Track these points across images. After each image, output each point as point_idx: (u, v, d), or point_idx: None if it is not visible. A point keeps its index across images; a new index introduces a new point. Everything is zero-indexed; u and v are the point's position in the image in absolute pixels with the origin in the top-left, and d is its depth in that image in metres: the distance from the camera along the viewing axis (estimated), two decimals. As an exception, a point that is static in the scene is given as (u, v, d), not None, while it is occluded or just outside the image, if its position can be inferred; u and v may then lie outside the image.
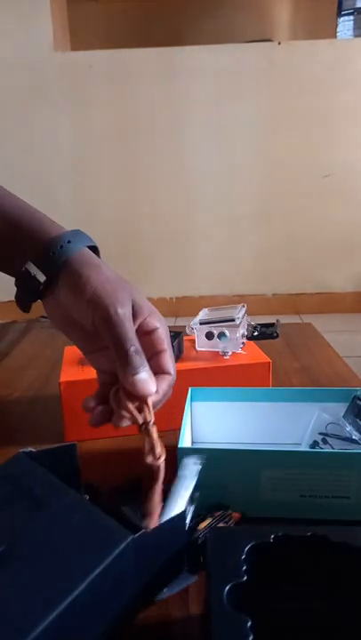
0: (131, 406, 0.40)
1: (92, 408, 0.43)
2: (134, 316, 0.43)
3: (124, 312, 0.42)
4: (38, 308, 0.48)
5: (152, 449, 0.38)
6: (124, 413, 0.40)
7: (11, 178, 2.96)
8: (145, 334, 0.44)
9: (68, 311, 0.45)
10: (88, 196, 2.73)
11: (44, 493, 0.35)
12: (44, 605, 0.27)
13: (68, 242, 0.46)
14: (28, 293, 0.46)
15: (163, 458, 0.38)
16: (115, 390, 0.42)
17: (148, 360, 0.43)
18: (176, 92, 2.59)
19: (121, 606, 0.33)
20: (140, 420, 0.40)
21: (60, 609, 0.27)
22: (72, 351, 0.74)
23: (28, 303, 0.47)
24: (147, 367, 0.41)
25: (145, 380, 0.40)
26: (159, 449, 0.38)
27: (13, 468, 0.38)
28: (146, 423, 0.40)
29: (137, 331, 0.43)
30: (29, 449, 0.41)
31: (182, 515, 0.37)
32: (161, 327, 0.45)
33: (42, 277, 0.45)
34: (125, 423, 0.41)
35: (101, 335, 0.42)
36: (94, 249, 0.49)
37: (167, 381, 0.44)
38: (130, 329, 0.42)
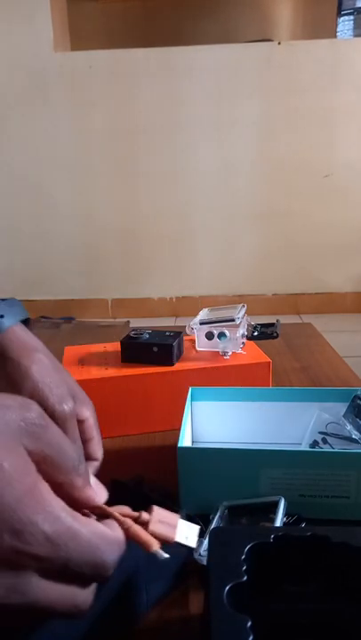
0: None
1: None
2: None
3: (68, 408, 0.40)
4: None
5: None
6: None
7: (11, 178, 2.97)
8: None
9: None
10: (88, 195, 2.73)
11: None
12: None
13: (1, 316, 0.43)
14: None
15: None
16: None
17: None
18: (176, 92, 2.59)
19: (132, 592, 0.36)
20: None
21: None
22: (72, 351, 0.74)
23: None
24: (88, 476, 0.33)
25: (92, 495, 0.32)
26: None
27: None
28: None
29: None
30: None
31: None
32: (91, 416, 0.45)
33: None
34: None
35: None
36: (26, 321, 0.47)
37: (94, 467, 0.46)
38: (72, 425, 0.41)
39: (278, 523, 0.44)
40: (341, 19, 2.88)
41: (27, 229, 2.77)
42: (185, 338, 0.72)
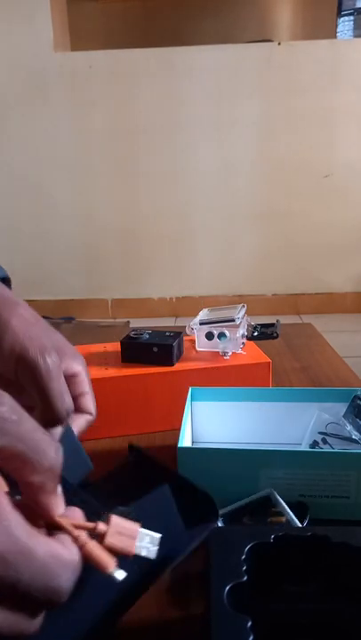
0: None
1: None
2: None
3: (52, 361, 0.38)
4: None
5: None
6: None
7: (11, 178, 2.96)
8: (66, 378, 0.42)
9: None
10: (88, 196, 2.73)
11: None
12: None
13: None
14: None
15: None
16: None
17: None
18: (176, 92, 2.59)
19: None
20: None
21: None
22: (72, 351, 0.74)
23: None
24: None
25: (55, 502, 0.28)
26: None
27: None
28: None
29: None
30: None
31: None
32: (82, 370, 0.43)
33: None
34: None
35: (27, 389, 0.39)
36: (5, 280, 0.46)
37: (86, 419, 0.45)
38: (58, 379, 0.39)
39: (292, 516, 0.44)
40: (341, 19, 2.89)
41: (27, 229, 2.77)
42: (185, 338, 0.72)
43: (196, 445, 0.60)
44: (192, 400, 0.61)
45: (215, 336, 0.70)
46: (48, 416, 0.38)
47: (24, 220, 2.76)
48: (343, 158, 2.65)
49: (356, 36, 2.85)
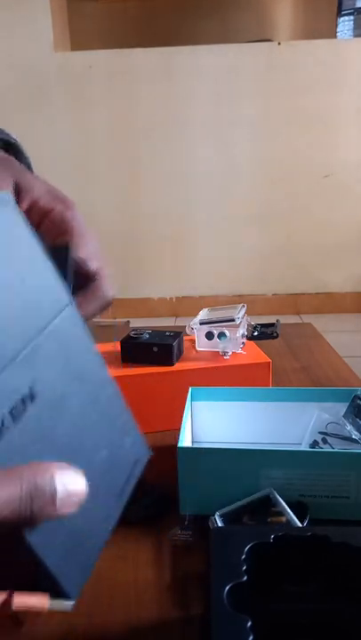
0: None
1: None
2: (18, 197, 0.34)
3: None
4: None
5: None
6: None
7: (11, 178, 2.94)
8: (40, 219, 0.34)
9: None
10: (88, 196, 2.73)
11: None
12: None
13: None
14: None
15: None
16: None
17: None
18: (176, 92, 2.59)
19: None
20: None
21: None
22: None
23: None
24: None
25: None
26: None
27: None
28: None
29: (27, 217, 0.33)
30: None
31: None
32: (63, 208, 0.35)
33: None
34: None
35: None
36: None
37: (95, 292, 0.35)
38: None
39: (292, 516, 0.44)
40: (341, 19, 2.88)
41: (27, 229, 2.77)
42: (185, 338, 0.72)
43: (196, 445, 0.60)
44: (192, 400, 0.61)
45: (215, 336, 0.70)
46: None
47: (24, 220, 2.75)
48: (343, 158, 2.65)
49: (356, 36, 2.85)
